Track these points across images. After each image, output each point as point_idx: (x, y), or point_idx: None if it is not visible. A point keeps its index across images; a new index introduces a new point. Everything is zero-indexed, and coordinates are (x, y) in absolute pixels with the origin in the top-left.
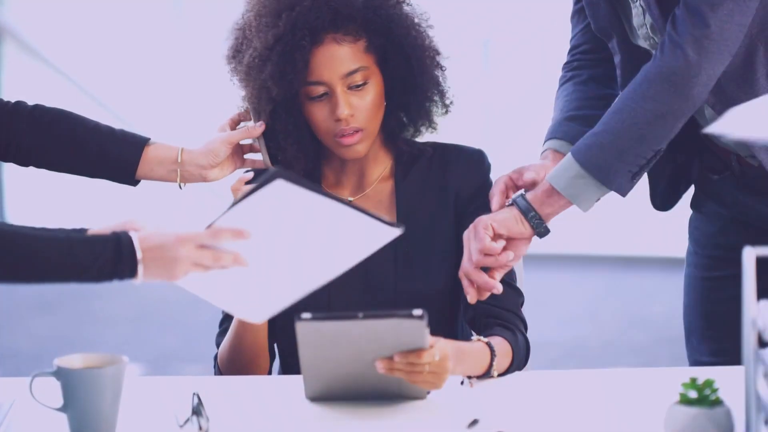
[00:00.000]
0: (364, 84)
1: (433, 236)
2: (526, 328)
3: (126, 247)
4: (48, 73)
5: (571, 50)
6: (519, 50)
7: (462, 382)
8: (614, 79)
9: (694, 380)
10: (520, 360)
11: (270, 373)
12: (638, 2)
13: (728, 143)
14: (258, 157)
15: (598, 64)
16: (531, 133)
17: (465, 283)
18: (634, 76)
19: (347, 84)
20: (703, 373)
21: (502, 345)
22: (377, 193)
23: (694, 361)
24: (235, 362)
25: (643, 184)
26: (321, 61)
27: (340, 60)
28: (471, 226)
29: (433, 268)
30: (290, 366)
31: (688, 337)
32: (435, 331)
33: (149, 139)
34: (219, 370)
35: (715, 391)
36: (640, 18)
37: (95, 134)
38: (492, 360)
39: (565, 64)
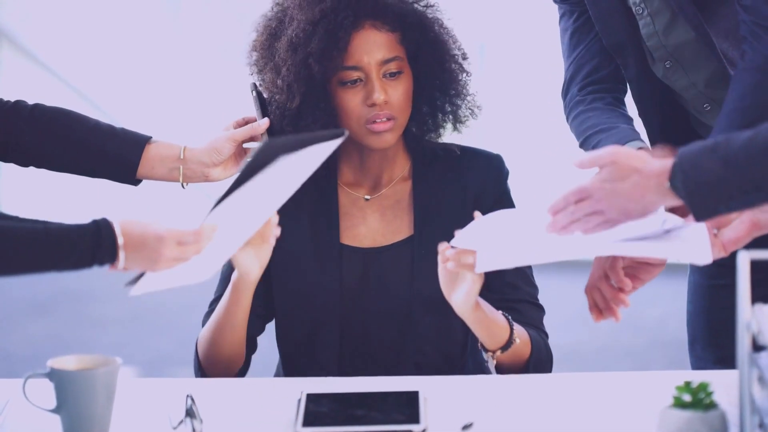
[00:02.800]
0: (399, 74)
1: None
2: (550, 360)
3: (105, 233)
4: (45, 77)
5: (577, 73)
6: (515, 53)
7: (486, 361)
8: (623, 103)
9: (688, 383)
10: (541, 357)
11: (247, 364)
12: (645, 12)
13: None
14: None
15: (614, 87)
16: (528, 135)
17: (589, 300)
18: (650, 89)
19: (383, 71)
20: (697, 376)
21: (519, 328)
22: (395, 193)
23: (699, 369)
24: (214, 342)
25: None
26: (360, 45)
27: (378, 46)
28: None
29: None
30: (292, 368)
31: (692, 344)
32: (449, 335)
33: (150, 137)
34: (196, 352)
35: (709, 394)
36: (649, 28)
37: (95, 133)
38: (511, 328)
39: (579, 89)
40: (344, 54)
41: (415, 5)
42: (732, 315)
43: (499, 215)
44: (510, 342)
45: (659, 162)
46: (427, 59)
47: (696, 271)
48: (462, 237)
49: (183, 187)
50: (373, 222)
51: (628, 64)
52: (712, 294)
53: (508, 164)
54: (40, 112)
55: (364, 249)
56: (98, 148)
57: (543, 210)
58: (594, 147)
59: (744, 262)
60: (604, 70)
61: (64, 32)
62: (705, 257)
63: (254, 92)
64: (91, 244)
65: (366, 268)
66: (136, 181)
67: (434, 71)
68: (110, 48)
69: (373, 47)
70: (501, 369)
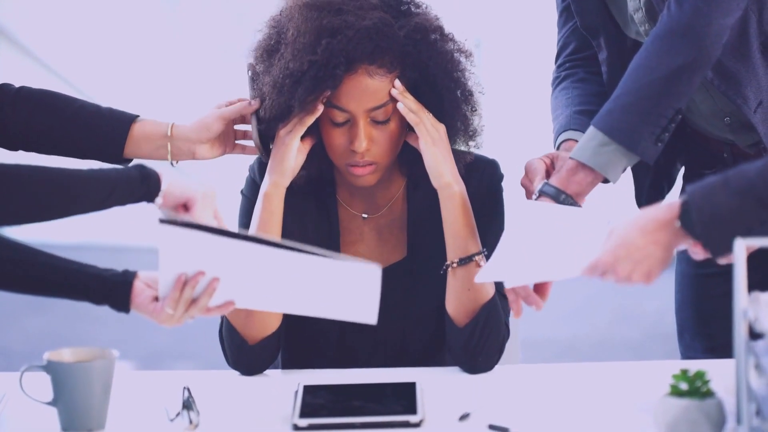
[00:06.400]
0: (387, 120)
1: (442, 250)
2: (507, 334)
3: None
4: (43, 74)
5: (561, 52)
6: (512, 50)
7: (443, 269)
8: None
9: (685, 372)
10: (497, 313)
11: (279, 340)
12: None
13: (726, 133)
14: (250, 143)
15: (590, 62)
16: (524, 133)
17: (511, 297)
18: (621, 73)
19: (370, 117)
20: (694, 365)
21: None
22: (390, 211)
23: (688, 358)
24: None
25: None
26: (350, 90)
27: (368, 94)
28: None
29: (441, 283)
30: (292, 360)
31: (681, 334)
32: (434, 341)
33: (138, 116)
34: (222, 330)
35: (706, 382)
36: (635, 2)
37: (81, 112)
38: (481, 253)
39: (558, 66)
40: (334, 93)
41: (420, 43)
42: (720, 304)
43: (514, 240)
44: (471, 257)
45: (665, 204)
46: (428, 96)
47: (683, 260)
48: (487, 272)
49: (173, 165)
50: (371, 241)
51: (601, 47)
52: (699, 283)
53: (504, 163)
54: (26, 93)
55: None
56: (84, 127)
57: (559, 230)
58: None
59: (741, 249)
60: (586, 51)
61: (61, 29)
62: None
63: (250, 72)
64: (139, 176)
65: None
66: (123, 161)
67: (434, 107)
68: (108, 45)
69: (362, 95)
70: (453, 303)
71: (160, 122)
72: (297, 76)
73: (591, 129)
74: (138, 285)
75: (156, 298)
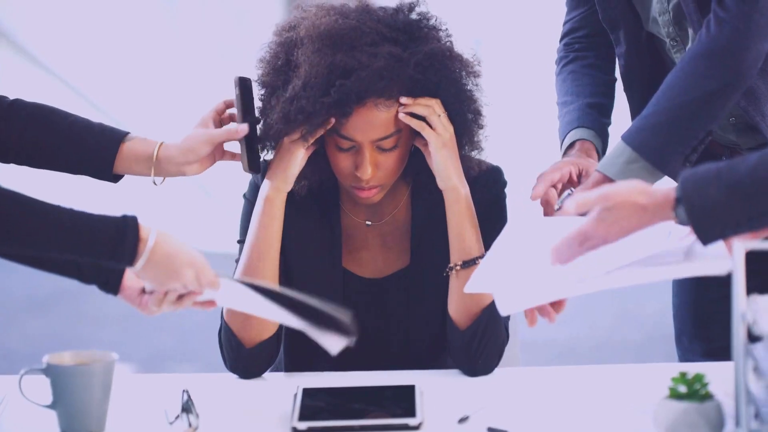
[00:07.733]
0: (394, 147)
1: (445, 257)
2: (506, 338)
3: (131, 231)
4: (42, 76)
5: (568, 33)
6: (512, 49)
7: (446, 272)
8: (615, 64)
9: (683, 375)
10: (498, 316)
11: (278, 343)
12: None
13: (729, 133)
14: (237, 149)
15: (600, 47)
16: (524, 132)
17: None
18: (638, 67)
19: (376, 145)
20: (693, 368)
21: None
22: (394, 219)
23: (686, 362)
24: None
25: None
26: (357, 122)
27: (375, 127)
28: None
29: (444, 289)
30: (294, 363)
31: (678, 338)
32: (435, 345)
33: (128, 133)
34: (222, 333)
35: (705, 385)
36: (663, 5)
37: (73, 128)
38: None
39: (564, 44)
40: (341, 122)
41: (428, 70)
42: (718, 308)
43: (505, 247)
44: (474, 260)
45: (662, 192)
46: None
47: None
48: (476, 281)
49: (155, 183)
50: (375, 248)
51: (620, 41)
52: (697, 287)
53: (503, 164)
54: (18, 107)
55: (365, 279)
56: (75, 143)
57: (550, 239)
58: (559, 119)
59: (739, 252)
60: (598, 37)
61: (62, 31)
62: (724, 268)
63: (237, 89)
64: (114, 237)
65: (365, 297)
66: (114, 178)
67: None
68: (108, 47)
69: (369, 128)
70: (455, 305)
71: (149, 141)
72: (308, 112)
73: (620, 144)
74: (129, 275)
75: (143, 290)
